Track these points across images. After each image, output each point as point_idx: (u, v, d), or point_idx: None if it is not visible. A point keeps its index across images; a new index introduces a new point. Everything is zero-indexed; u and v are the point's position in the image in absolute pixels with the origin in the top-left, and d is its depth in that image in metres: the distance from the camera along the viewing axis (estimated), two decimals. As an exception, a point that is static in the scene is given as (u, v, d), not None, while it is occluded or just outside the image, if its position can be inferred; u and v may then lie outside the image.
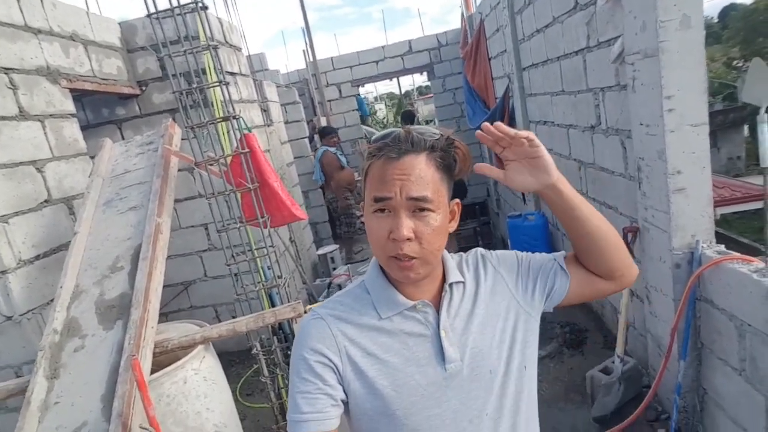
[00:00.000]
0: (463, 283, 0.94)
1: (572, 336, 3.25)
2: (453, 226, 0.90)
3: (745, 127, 14.54)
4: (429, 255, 0.84)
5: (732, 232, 9.49)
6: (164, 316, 3.85)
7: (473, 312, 0.92)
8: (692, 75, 1.90)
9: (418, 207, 0.81)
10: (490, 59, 5.49)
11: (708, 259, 1.93)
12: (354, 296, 0.93)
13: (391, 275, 0.89)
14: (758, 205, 7.14)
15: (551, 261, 0.98)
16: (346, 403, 0.88)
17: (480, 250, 1.01)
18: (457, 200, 0.91)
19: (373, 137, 0.88)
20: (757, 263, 1.76)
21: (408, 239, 0.81)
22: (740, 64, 18.59)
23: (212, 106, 2.75)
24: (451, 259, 0.96)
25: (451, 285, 0.92)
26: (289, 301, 2.30)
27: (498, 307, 0.94)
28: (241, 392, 3.57)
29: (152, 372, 1.99)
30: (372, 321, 0.89)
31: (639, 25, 2.02)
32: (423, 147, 0.83)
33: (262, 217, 2.32)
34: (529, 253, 1.01)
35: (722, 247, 1.98)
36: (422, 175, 0.81)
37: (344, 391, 0.87)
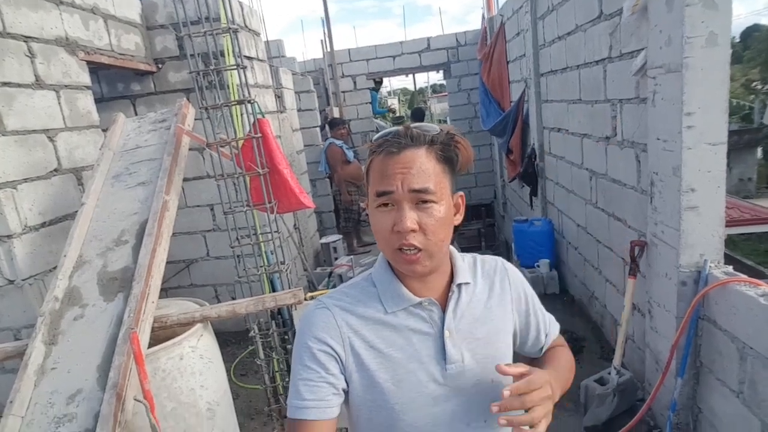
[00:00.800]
0: (473, 285, 0.94)
1: (570, 344, 3.22)
2: (458, 219, 0.90)
3: (759, 150, 14.42)
4: (434, 246, 0.83)
5: (737, 253, 9.43)
6: (164, 292, 3.86)
7: (481, 319, 0.92)
8: (715, 93, 1.88)
9: (421, 199, 0.82)
10: (508, 62, 5.46)
11: (715, 279, 1.92)
12: (360, 288, 0.93)
13: (397, 269, 0.89)
14: (766, 228, 7.09)
15: (543, 334, 1.02)
16: (346, 393, 0.88)
17: (502, 260, 1.02)
18: (461, 193, 0.91)
19: (375, 136, 0.89)
20: (765, 287, 1.75)
21: (412, 230, 0.81)
22: (759, 86, 18.42)
23: (228, 88, 2.74)
24: (462, 260, 0.96)
25: (459, 285, 0.92)
26: (290, 287, 2.30)
27: (506, 322, 0.95)
28: (235, 372, 3.59)
29: (149, 346, 2.00)
30: (377, 314, 0.89)
31: (664, 40, 2.00)
32: (423, 141, 0.83)
33: (270, 203, 2.32)
34: (537, 299, 1.03)
35: (730, 269, 1.97)
36: (423, 167, 0.82)
37: (345, 381, 0.87)
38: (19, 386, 1.79)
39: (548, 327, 1.04)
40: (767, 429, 1.68)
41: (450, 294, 0.91)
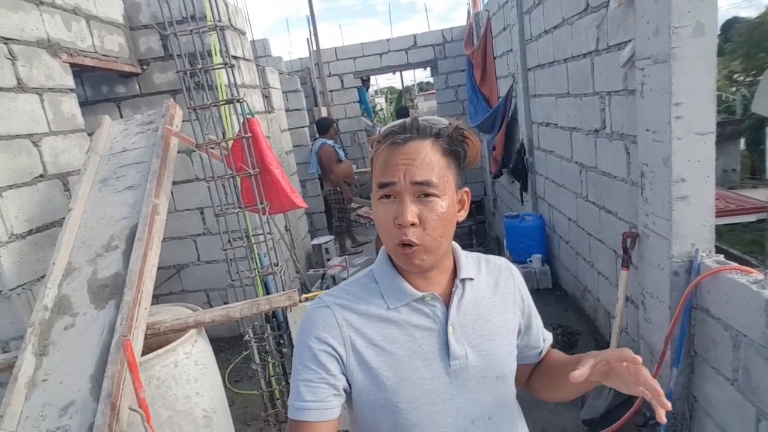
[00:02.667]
0: (477, 282, 0.93)
1: (564, 338, 3.26)
2: (462, 215, 0.89)
3: (742, 140, 14.63)
4: (432, 242, 0.82)
5: (723, 243, 9.56)
6: (155, 299, 3.80)
7: (485, 315, 0.92)
8: (703, 83, 1.89)
9: (423, 192, 0.81)
10: (495, 58, 5.48)
11: (707, 269, 1.93)
12: (361, 285, 0.92)
13: (398, 264, 0.88)
14: (751, 218, 7.19)
15: (541, 339, 1.03)
16: (348, 394, 0.87)
17: (507, 260, 1.02)
18: (467, 189, 0.90)
19: (381, 129, 0.88)
20: (756, 275, 1.76)
21: (412, 224, 0.80)
22: (741, 78, 18.69)
23: (216, 89, 2.71)
24: (466, 257, 0.95)
25: (463, 281, 0.91)
26: (284, 290, 2.28)
27: (510, 320, 0.95)
28: (230, 378, 3.56)
29: (142, 354, 1.97)
30: (379, 311, 0.88)
31: (651, 30, 2.01)
32: (428, 133, 0.83)
33: (261, 204, 2.30)
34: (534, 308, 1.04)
35: (721, 257, 1.98)
36: (427, 160, 0.81)
37: (347, 381, 0.86)
38: (9, 400, 1.75)
39: (544, 332, 1.05)
40: (762, 415, 1.70)
41: (454, 289, 0.90)
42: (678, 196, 2.00)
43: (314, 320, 0.87)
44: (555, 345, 3.27)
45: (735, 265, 1.86)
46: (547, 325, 3.41)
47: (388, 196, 0.82)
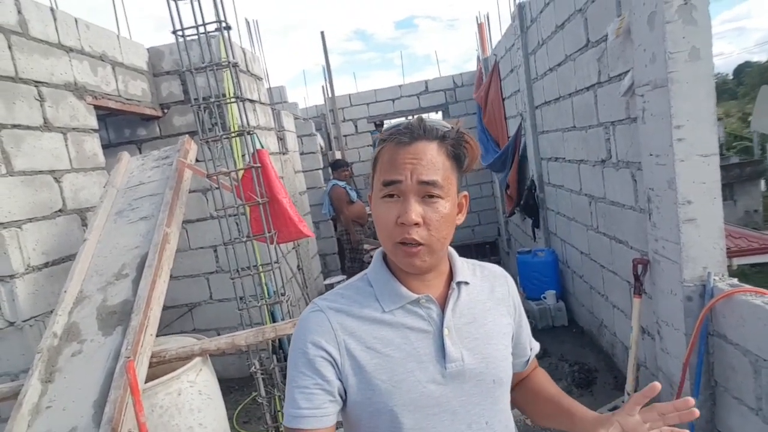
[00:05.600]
0: (472, 286, 0.93)
1: (581, 375, 3.13)
2: (461, 219, 0.90)
3: (762, 181, 14.44)
4: (436, 242, 0.83)
5: (750, 284, 9.24)
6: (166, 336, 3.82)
7: (480, 319, 0.91)
8: (701, 105, 1.91)
9: (428, 193, 0.81)
10: (504, 99, 5.61)
11: (720, 292, 1.88)
12: (356, 288, 0.91)
13: (396, 264, 0.88)
14: (776, 257, 6.98)
15: (529, 347, 1.04)
16: (344, 398, 0.86)
17: (503, 270, 1.02)
18: (466, 193, 0.91)
19: (384, 128, 0.90)
20: (772, 295, 1.71)
21: (416, 224, 0.80)
22: (756, 119, 18.67)
23: (229, 126, 2.82)
24: (461, 262, 0.95)
25: (459, 284, 0.91)
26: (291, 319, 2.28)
27: (504, 325, 0.94)
28: (238, 419, 3.48)
29: (146, 382, 1.96)
30: (374, 314, 0.87)
31: (648, 57, 2.06)
32: (435, 135, 0.84)
33: (269, 232, 2.33)
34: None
35: (735, 280, 1.93)
36: (433, 160, 0.82)
37: (343, 385, 0.84)
38: (11, 427, 1.75)
39: (532, 342, 1.05)
40: (791, 447, 1.60)
41: (450, 292, 0.89)
42: (685, 219, 1.98)
43: (308, 325, 0.87)
44: (572, 383, 3.13)
45: (748, 286, 1.81)
46: (565, 362, 3.30)
47: (391, 195, 0.83)
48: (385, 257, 0.93)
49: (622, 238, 2.80)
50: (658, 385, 0.78)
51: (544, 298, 4.10)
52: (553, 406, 0.98)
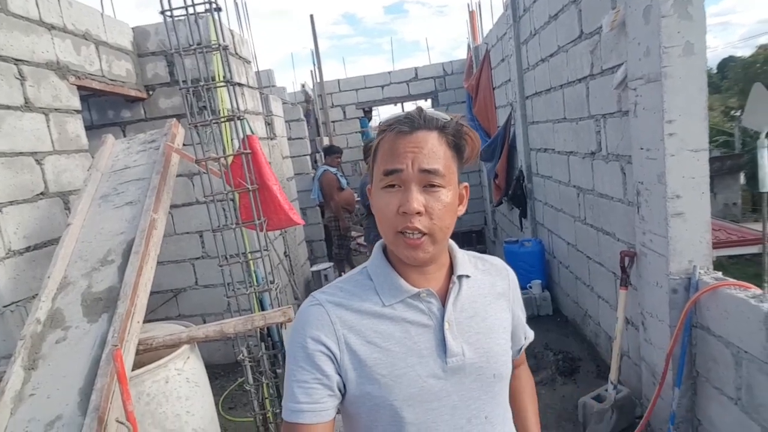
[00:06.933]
0: (473, 279, 0.92)
1: (565, 364, 3.19)
2: (462, 209, 0.89)
3: (742, 175, 14.73)
4: (438, 232, 0.82)
5: (727, 276, 9.48)
6: (150, 323, 3.78)
7: (481, 314, 0.90)
8: (694, 101, 1.93)
9: (429, 182, 0.81)
10: (494, 89, 5.59)
11: (705, 285, 1.92)
12: (355, 282, 0.90)
13: (397, 255, 0.86)
14: (753, 249, 7.16)
15: (524, 335, 1.04)
16: (343, 393, 0.85)
17: (501, 260, 1.01)
18: (466, 183, 0.90)
19: (384, 119, 0.89)
20: (755, 290, 1.74)
21: (418, 213, 0.79)
22: (738, 113, 19.00)
23: (219, 112, 2.76)
24: (462, 254, 0.94)
25: (460, 277, 0.90)
26: (279, 307, 2.26)
27: (505, 319, 0.94)
28: (224, 405, 3.48)
29: (133, 370, 1.93)
30: (374, 308, 0.86)
31: (643, 51, 2.06)
32: (435, 125, 0.83)
33: (259, 220, 2.30)
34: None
35: (719, 274, 1.97)
36: (434, 149, 0.81)
37: (342, 380, 0.84)
38: (-7, 415, 1.71)
39: (527, 330, 1.06)
40: (768, 435, 1.64)
41: (451, 285, 0.89)
42: (674, 213, 2.01)
43: (307, 319, 0.85)
44: (556, 371, 3.17)
45: (732, 280, 1.84)
46: (549, 350, 3.34)
47: (392, 185, 0.82)
48: (384, 250, 0.92)
49: (609, 230, 2.83)
50: None
51: (530, 287, 4.14)
52: (516, 419, 1.01)
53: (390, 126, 0.84)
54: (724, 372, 1.85)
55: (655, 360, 2.25)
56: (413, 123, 0.82)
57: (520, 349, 1.05)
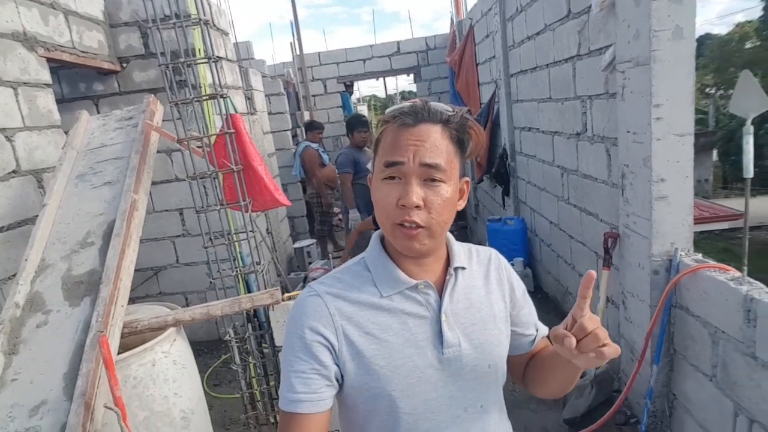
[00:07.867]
0: (469, 271, 0.93)
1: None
2: (461, 204, 0.89)
3: (714, 152, 15.13)
4: (436, 226, 0.82)
5: (697, 251, 9.83)
6: (131, 301, 3.71)
7: (477, 304, 0.91)
8: (682, 85, 1.94)
9: (430, 176, 0.80)
10: (477, 65, 5.54)
11: (686, 267, 1.97)
12: (353, 273, 0.91)
13: (394, 246, 0.87)
14: (724, 225, 7.40)
15: (533, 327, 1.00)
16: (341, 384, 0.86)
17: (495, 251, 1.01)
18: (467, 178, 0.90)
19: (388, 109, 0.87)
20: (734, 272, 1.80)
21: (417, 206, 0.80)
22: (713, 91, 19.36)
23: (200, 88, 2.66)
24: (458, 246, 0.95)
25: (456, 269, 0.91)
26: (266, 288, 2.25)
27: (501, 309, 0.94)
28: (209, 382, 3.48)
29: (119, 354, 1.91)
30: (372, 299, 0.87)
31: (632, 34, 2.05)
32: (439, 118, 0.83)
33: (244, 201, 2.26)
34: (527, 293, 1.02)
35: (699, 256, 2.02)
36: (437, 143, 0.81)
37: (340, 370, 0.84)
38: (-26, 401, 1.67)
39: (538, 323, 1.03)
40: (739, 409, 1.73)
41: (447, 277, 0.90)
42: (658, 196, 2.04)
43: (305, 310, 0.86)
44: (537, 346, 3.23)
45: (713, 263, 1.90)
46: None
47: (392, 177, 0.81)
48: (382, 240, 0.92)
49: (592, 210, 2.87)
50: (592, 273, 0.75)
51: (512, 264, 4.20)
52: (551, 359, 0.94)
53: (394, 117, 0.83)
54: (701, 350, 1.92)
55: (635, 338, 2.33)
56: (417, 115, 0.82)
57: (533, 340, 1.00)
